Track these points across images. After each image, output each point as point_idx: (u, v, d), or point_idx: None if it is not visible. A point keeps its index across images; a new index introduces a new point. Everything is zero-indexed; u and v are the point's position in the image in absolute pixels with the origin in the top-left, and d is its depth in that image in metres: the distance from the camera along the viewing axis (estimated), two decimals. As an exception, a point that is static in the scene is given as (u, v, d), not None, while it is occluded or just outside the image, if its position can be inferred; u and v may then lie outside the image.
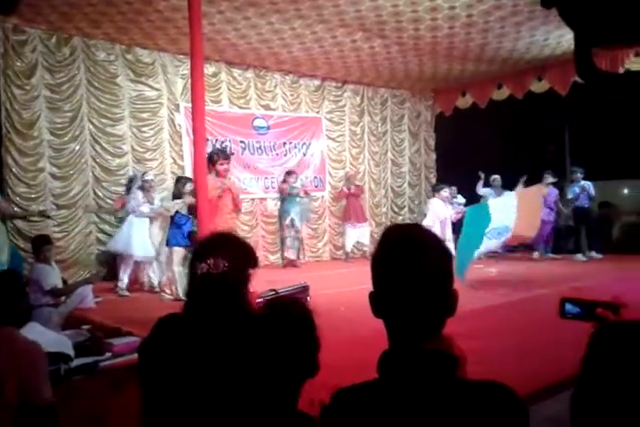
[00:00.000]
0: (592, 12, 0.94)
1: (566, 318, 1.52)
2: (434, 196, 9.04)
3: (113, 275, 7.38)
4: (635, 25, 0.93)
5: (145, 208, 6.90)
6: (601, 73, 1.04)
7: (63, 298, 5.17)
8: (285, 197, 9.21)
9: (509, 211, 6.73)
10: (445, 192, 8.88)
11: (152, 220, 6.91)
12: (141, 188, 7.05)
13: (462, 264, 6.13)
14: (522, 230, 6.90)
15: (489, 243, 6.74)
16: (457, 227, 8.35)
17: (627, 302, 1.45)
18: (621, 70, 8.40)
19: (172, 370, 1.63)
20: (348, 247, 10.00)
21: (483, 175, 10.02)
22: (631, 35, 1.03)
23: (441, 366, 1.04)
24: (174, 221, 6.23)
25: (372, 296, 1.13)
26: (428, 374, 1.03)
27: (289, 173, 9.28)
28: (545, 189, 8.67)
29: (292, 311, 1.54)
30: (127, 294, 6.60)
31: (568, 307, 1.52)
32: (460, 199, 10.01)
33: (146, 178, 7.12)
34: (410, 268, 1.07)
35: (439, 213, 8.68)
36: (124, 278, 6.70)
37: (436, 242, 1.14)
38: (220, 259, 1.72)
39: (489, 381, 1.06)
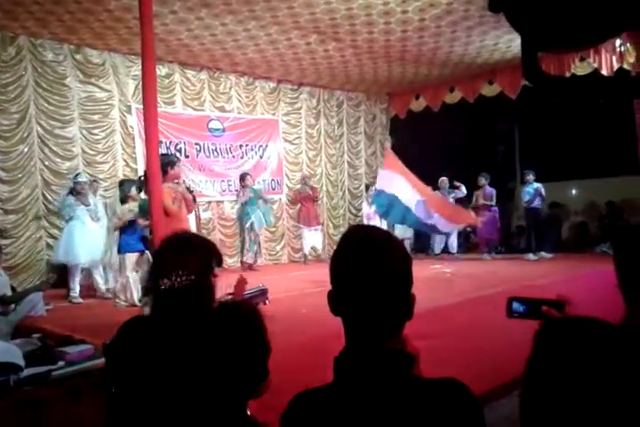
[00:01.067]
0: (538, 16, 0.97)
1: (513, 318, 1.53)
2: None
3: (64, 281, 7.18)
4: (579, 30, 0.96)
5: (81, 211, 6.66)
6: (547, 76, 1.07)
7: (12, 306, 4.99)
8: (245, 200, 9.13)
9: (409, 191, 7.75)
10: (371, 191, 9.65)
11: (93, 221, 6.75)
12: (72, 191, 6.75)
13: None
14: (461, 221, 8.03)
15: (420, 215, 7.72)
16: None
17: (572, 299, 1.48)
18: (568, 75, 8.70)
19: (134, 373, 1.60)
20: (306, 250, 10.03)
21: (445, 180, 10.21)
22: (576, 40, 1.06)
23: (398, 365, 1.05)
24: (125, 227, 6.08)
25: (331, 295, 1.13)
26: (386, 373, 1.04)
27: (243, 176, 9.21)
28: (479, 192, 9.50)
29: (239, 315, 1.53)
30: (80, 301, 6.43)
31: (515, 305, 1.54)
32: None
33: (78, 180, 6.78)
34: (370, 269, 1.07)
35: (365, 212, 9.89)
36: (76, 287, 6.52)
37: (397, 244, 1.15)
38: (183, 271, 1.69)
39: (444, 378, 1.07)
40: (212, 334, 1.49)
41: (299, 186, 10.28)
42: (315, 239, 10.03)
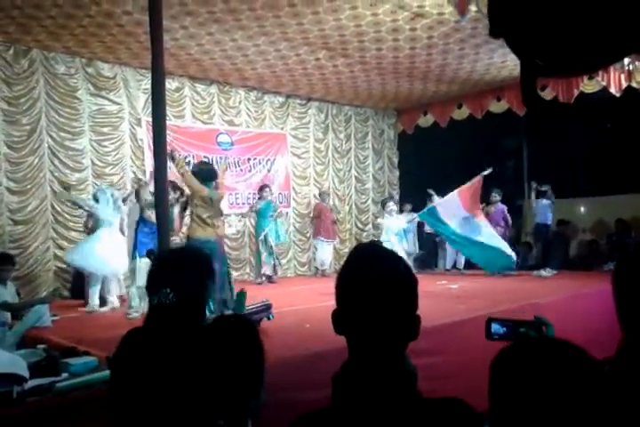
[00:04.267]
0: (538, 43, 0.98)
1: (492, 340, 1.51)
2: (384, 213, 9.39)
3: (74, 293, 7.24)
4: (580, 57, 0.97)
5: (106, 220, 6.57)
6: (546, 102, 1.08)
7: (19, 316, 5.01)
8: (256, 210, 9.12)
9: (456, 206, 7.86)
10: (390, 206, 9.25)
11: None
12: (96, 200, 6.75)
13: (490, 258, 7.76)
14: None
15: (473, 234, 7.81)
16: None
17: (561, 319, 1.45)
18: (576, 92, 8.73)
19: (132, 387, 1.61)
20: (322, 263, 9.96)
21: (434, 193, 10.09)
22: (577, 66, 1.07)
23: (402, 385, 1.04)
24: (144, 227, 5.91)
25: (335, 315, 1.13)
26: (390, 393, 1.03)
27: (262, 187, 9.21)
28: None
29: (235, 330, 1.53)
30: (99, 310, 6.32)
31: (495, 327, 1.51)
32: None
33: (105, 191, 6.73)
34: (375, 291, 1.07)
35: (392, 227, 8.94)
36: (94, 296, 6.38)
37: (403, 265, 1.15)
38: (170, 289, 1.70)
39: (448, 398, 1.07)
40: (205, 348, 1.50)
41: (317, 200, 10.35)
42: (327, 252, 10.00)
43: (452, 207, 7.93)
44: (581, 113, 1.07)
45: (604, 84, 8.36)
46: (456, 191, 8.11)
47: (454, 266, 10.03)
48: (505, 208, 9.67)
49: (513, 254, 8.26)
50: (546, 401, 0.86)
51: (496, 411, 0.93)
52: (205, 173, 5.83)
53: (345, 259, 1.18)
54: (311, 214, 10.41)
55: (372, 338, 1.07)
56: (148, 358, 1.62)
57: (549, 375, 0.87)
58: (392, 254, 1.18)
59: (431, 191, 9.79)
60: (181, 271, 1.75)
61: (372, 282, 1.07)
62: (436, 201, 8.31)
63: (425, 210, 8.43)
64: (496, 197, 9.57)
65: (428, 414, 1.02)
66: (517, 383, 0.89)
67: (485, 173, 8.30)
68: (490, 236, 8.06)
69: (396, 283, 1.09)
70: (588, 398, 0.85)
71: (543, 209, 9.44)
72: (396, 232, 8.99)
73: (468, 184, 8.21)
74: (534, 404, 0.86)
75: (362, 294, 1.08)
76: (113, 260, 6.42)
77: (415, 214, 9.14)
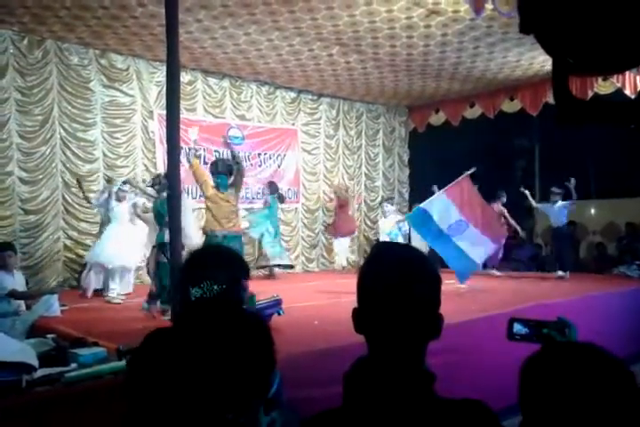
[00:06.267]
0: (571, 40, 0.96)
1: (514, 340, 1.49)
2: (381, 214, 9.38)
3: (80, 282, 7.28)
4: (614, 55, 0.95)
5: (121, 214, 6.66)
6: (578, 101, 1.05)
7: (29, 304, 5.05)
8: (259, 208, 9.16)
9: (446, 206, 7.40)
10: (385, 206, 9.24)
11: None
12: (112, 195, 6.77)
13: (461, 267, 7.12)
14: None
15: (463, 244, 7.18)
16: None
17: (575, 321, 1.43)
18: (590, 94, 8.65)
19: (155, 386, 1.60)
20: (340, 258, 9.94)
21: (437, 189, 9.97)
22: (609, 64, 1.05)
23: (420, 385, 1.04)
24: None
25: (356, 313, 1.11)
26: (408, 392, 1.02)
27: (269, 184, 9.26)
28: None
29: (245, 327, 1.53)
30: (119, 301, 6.33)
31: (517, 327, 1.49)
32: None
33: (123, 188, 6.80)
34: (399, 289, 1.05)
35: (384, 229, 9.13)
36: (116, 287, 6.46)
37: (429, 265, 1.13)
38: (214, 281, 1.71)
39: (466, 399, 1.05)
40: (215, 344, 1.49)
41: (335, 194, 10.29)
42: (346, 247, 9.98)
43: (442, 208, 7.47)
44: (615, 114, 1.04)
45: (619, 85, 8.28)
46: (442, 192, 7.75)
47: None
48: (504, 210, 9.43)
49: (477, 259, 7.46)
50: (578, 408, 0.85)
51: (529, 419, 0.92)
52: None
53: (366, 257, 1.17)
54: (331, 204, 10.38)
55: (395, 337, 1.06)
56: (180, 357, 1.62)
57: (582, 382, 0.86)
58: (414, 251, 1.16)
59: (435, 189, 9.71)
60: (219, 264, 1.76)
61: (396, 280, 1.06)
62: (425, 202, 7.93)
63: (413, 211, 8.02)
64: (503, 198, 9.32)
65: (446, 416, 1.01)
66: (550, 391, 0.88)
67: (469, 172, 8.15)
68: (471, 242, 7.40)
69: (420, 281, 1.08)
70: (620, 404, 0.84)
71: (559, 212, 9.08)
72: (387, 233, 9.05)
73: (453, 183, 8.01)
74: (567, 411, 0.85)
75: (385, 292, 1.06)
76: (123, 253, 6.52)
77: (401, 217, 9.13)
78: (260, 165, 9.89)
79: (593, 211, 10.87)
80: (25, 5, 6.33)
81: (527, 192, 9.08)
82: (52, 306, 5.16)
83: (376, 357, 1.08)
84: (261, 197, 9.58)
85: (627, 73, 8.15)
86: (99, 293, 6.71)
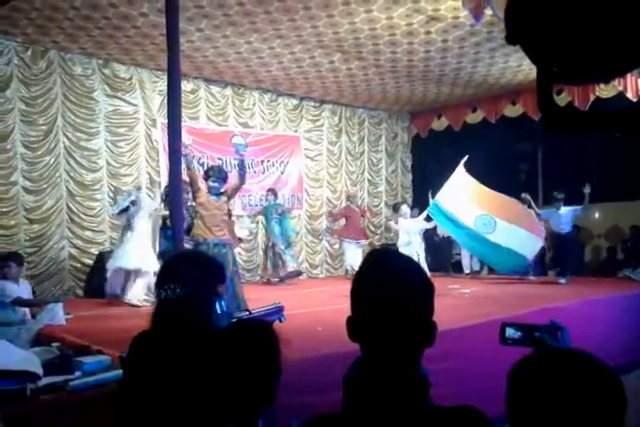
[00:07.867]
0: (554, 50, 0.98)
1: (506, 344, 1.49)
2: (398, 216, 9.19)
3: (87, 292, 7.31)
4: (599, 64, 0.96)
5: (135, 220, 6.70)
6: (561, 109, 1.07)
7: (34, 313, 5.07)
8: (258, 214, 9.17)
9: (464, 194, 7.47)
10: (403, 209, 9.10)
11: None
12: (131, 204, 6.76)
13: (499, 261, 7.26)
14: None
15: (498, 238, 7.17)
16: None
17: (568, 324, 1.43)
18: (592, 97, 8.66)
19: (142, 389, 1.62)
20: (348, 264, 9.86)
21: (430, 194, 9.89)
22: (595, 73, 1.06)
23: (415, 392, 1.04)
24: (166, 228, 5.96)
25: (350, 322, 1.12)
26: (403, 400, 1.03)
27: (269, 190, 9.27)
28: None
29: (253, 334, 1.53)
30: (138, 304, 6.30)
31: (509, 332, 1.50)
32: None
33: (135, 199, 6.77)
34: (391, 298, 1.06)
35: (409, 229, 8.77)
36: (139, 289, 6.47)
37: (419, 271, 1.14)
38: (177, 284, 1.72)
39: (460, 406, 1.06)
40: (222, 350, 1.50)
41: (345, 203, 10.34)
42: (358, 254, 9.94)
43: (455, 200, 7.49)
44: (599, 121, 1.06)
45: (621, 89, 8.29)
46: (446, 186, 7.74)
47: (472, 270, 9.96)
48: None
49: (528, 254, 7.54)
50: (565, 414, 0.85)
51: (515, 423, 0.93)
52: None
53: (359, 266, 1.17)
54: (334, 211, 10.44)
55: (388, 345, 1.06)
56: (157, 361, 1.63)
57: (570, 388, 0.87)
58: (407, 260, 1.17)
59: (430, 194, 9.70)
60: (188, 268, 1.78)
61: (389, 289, 1.07)
62: (438, 195, 7.84)
63: (432, 205, 7.89)
64: None
65: (440, 423, 1.01)
66: (538, 396, 0.89)
67: (463, 161, 8.10)
68: (506, 234, 7.37)
69: (412, 289, 1.08)
70: (605, 415, 0.85)
71: (564, 217, 8.99)
72: (418, 232, 8.79)
73: (454, 176, 7.98)
74: (554, 417, 0.86)
75: (377, 300, 1.07)
76: (134, 254, 6.51)
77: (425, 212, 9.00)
78: (263, 173, 9.93)
79: (597, 214, 10.83)
80: (28, 17, 6.40)
81: (529, 198, 9.03)
82: (57, 314, 5.17)
83: (370, 365, 1.08)
84: (264, 204, 9.55)
85: (628, 76, 8.16)
86: (116, 298, 6.69)
